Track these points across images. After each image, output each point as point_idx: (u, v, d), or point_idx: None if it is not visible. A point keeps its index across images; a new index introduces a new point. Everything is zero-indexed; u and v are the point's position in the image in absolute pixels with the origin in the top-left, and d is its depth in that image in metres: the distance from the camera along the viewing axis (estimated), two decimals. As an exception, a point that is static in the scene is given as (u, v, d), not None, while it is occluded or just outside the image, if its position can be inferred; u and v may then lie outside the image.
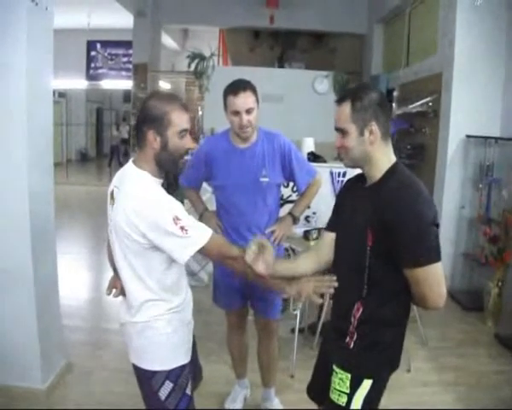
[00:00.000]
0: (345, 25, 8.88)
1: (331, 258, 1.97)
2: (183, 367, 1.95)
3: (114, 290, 2.09)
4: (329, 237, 1.99)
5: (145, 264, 1.84)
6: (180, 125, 1.81)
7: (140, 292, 1.88)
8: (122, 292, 2.00)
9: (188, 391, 1.96)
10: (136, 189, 1.79)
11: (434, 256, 1.62)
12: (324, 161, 5.32)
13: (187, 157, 1.90)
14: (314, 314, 4.17)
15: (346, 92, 1.80)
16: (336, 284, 1.84)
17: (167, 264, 1.85)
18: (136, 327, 1.92)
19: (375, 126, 1.69)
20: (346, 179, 2.10)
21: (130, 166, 1.88)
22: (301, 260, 2.12)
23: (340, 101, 1.76)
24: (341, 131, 1.75)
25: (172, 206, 1.76)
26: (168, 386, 1.91)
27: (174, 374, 1.92)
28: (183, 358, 1.97)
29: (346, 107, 1.72)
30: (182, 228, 1.71)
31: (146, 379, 1.95)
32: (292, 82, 7.62)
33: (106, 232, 1.96)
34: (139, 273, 1.85)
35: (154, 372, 1.92)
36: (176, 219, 1.71)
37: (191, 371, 2.08)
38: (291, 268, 2.05)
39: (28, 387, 3.07)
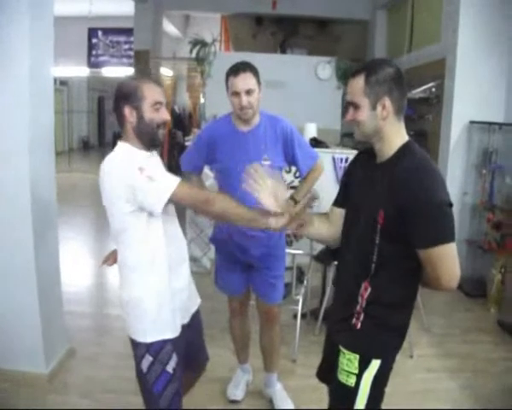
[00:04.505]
0: (348, 11, 8.79)
1: (339, 234, 1.94)
2: (164, 343, 1.94)
3: (110, 260, 2.16)
4: (338, 213, 1.96)
5: (128, 239, 1.90)
6: (153, 98, 1.89)
7: (124, 264, 1.95)
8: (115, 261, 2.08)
9: (169, 369, 1.95)
10: (109, 157, 1.89)
11: (449, 236, 1.60)
12: (327, 147, 5.31)
13: (163, 131, 1.94)
14: (316, 300, 4.18)
15: (362, 65, 1.74)
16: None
17: (147, 238, 1.89)
18: (123, 297, 1.98)
19: (388, 102, 1.65)
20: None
21: (119, 142, 1.96)
22: (317, 220, 1.99)
23: (354, 74, 1.71)
24: (353, 105, 1.71)
25: (136, 160, 1.82)
26: (148, 359, 1.93)
27: (153, 348, 1.93)
28: (167, 333, 1.96)
29: (360, 80, 1.67)
30: (148, 177, 1.76)
31: (132, 348, 2.00)
32: (294, 68, 7.54)
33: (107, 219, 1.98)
34: (124, 248, 1.93)
35: (137, 343, 1.96)
36: (140, 170, 1.76)
37: (189, 354, 2.11)
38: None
39: (31, 371, 3.09)
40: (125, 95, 1.88)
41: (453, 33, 5.13)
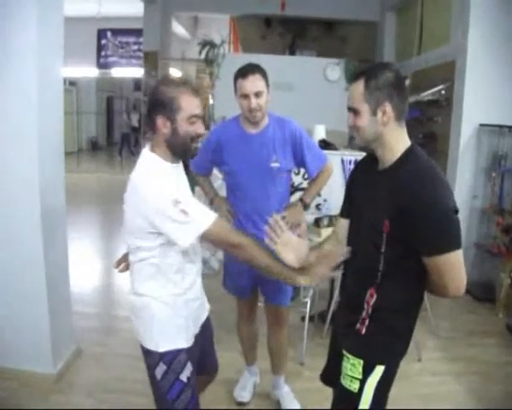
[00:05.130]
0: (356, 12, 8.79)
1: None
2: (178, 352, 1.92)
3: (122, 265, 2.11)
4: (345, 225, 1.94)
5: (140, 254, 1.86)
6: (190, 111, 1.79)
7: (135, 274, 1.92)
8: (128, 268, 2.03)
9: (183, 377, 1.92)
10: (140, 174, 1.80)
11: (455, 244, 1.57)
12: (335, 149, 5.29)
13: (199, 144, 1.87)
14: (324, 302, 4.16)
15: (361, 70, 1.71)
16: (348, 252, 1.82)
17: (165, 248, 1.83)
18: (135, 303, 1.95)
19: (388, 107, 1.62)
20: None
21: (145, 150, 1.88)
22: (327, 248, 1.99)
23: (354, 79, 1.70)
24: (354, 111, 1.69)
25: (173, 189, 1.73)
26: (162, 368, 1.90)
27: (167, 357, 1.90)
28: (180, 342, 1.93)
29: (360, 85, 1.65)
30: (183, 211, 1.69)
31: (144, 356, 1.97)
32: (303, 70, 7.54)
33: (116, 219, 1.97)
34: (135, 259, 1.89)
35: (150, 352, 1.93)
36: (175, 202, 1.68)
37: (200, 361, 2.10)
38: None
39: (39, 371, 3.10)
40: (160, 103, 1.78)
41: (463, 35, 5.09)
